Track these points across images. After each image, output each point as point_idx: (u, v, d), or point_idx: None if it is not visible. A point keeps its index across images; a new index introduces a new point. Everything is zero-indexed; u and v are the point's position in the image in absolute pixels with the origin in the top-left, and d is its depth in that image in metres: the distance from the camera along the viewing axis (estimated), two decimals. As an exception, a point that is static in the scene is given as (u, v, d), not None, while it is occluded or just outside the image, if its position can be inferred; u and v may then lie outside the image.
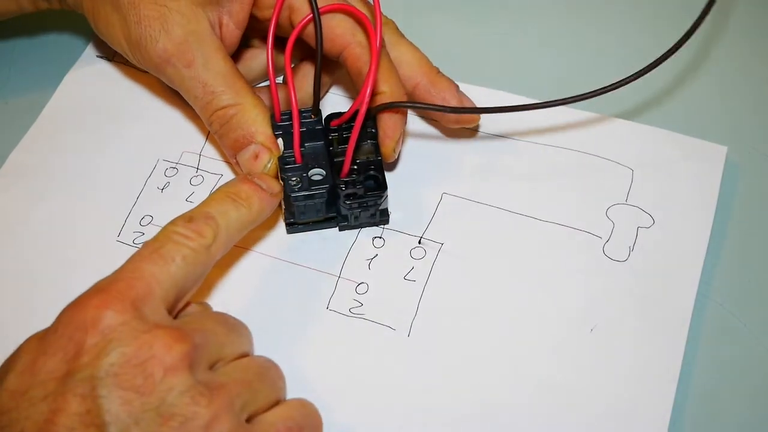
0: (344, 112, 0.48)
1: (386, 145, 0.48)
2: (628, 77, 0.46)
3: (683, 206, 0.50)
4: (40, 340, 0.37)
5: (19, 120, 0.55)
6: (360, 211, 0.49)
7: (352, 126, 0.46)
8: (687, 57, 0.57)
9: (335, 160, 0.48)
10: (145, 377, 0.36)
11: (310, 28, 0.48)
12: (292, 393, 0.45)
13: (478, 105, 0.51)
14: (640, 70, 0.46)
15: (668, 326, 0.46)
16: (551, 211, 0.50)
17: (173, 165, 0.53)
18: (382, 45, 0.48)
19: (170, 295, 0.39)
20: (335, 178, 0.48)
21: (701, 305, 0.48)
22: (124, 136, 0.54)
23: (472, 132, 0.53)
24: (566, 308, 0.47)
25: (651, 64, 0.46)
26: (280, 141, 0.48)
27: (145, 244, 0.40)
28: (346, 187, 0.47)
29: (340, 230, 0.50)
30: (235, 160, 0.49)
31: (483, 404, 0.45)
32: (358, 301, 0.48)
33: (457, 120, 0.52)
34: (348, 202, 0.48)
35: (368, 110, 0.46)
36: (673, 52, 0.46)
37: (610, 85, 0.46)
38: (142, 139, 0.53)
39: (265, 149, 0.48)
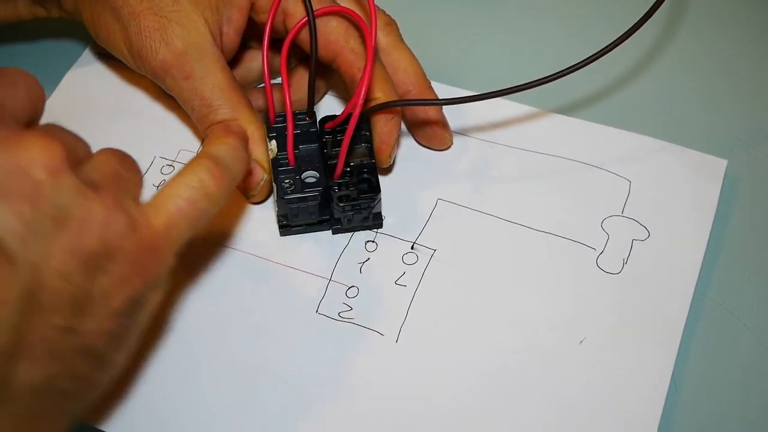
0: (339, 115, 0.47)
1: (382, 151, 0.48)
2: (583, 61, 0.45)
3: (680, 220, 0.49)
4: None
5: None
6: (353, 214, 0.48)
7: (346, 128, 0.46)
8: (684, 63, 0.57)
9: (329, 162, 0.48)
10: (30, 183, 0.33)
11: (305, 33, 0.48)
12: (279, 395, 0.44)
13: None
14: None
15: (658, 341, 0.46)
16: (547, 221, 0.50)
17: (170, 163, 0.53)
18: (377, 51, 0.48)
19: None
20: (329, 180, 0.47)
21: (700, 305, 0.47)
22: (121, 133, 0.54)
23: (470, 139, 0.53)
24: (556, 319, 0.47)
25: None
26: (273, 143, 0.48)
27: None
28: (339, 189, 0.47)
29: (333, 233, 0.50)
30: None
31: (470, 412, 0.44)
32: (348, 305, 0.47)
33: (428, 140, 0.52)
34: (341, 205, 0.47)
35: (362, 113, 0.46)
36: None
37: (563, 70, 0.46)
38: (140, 136, 0.53)
39: (259, 166, 0.48)
